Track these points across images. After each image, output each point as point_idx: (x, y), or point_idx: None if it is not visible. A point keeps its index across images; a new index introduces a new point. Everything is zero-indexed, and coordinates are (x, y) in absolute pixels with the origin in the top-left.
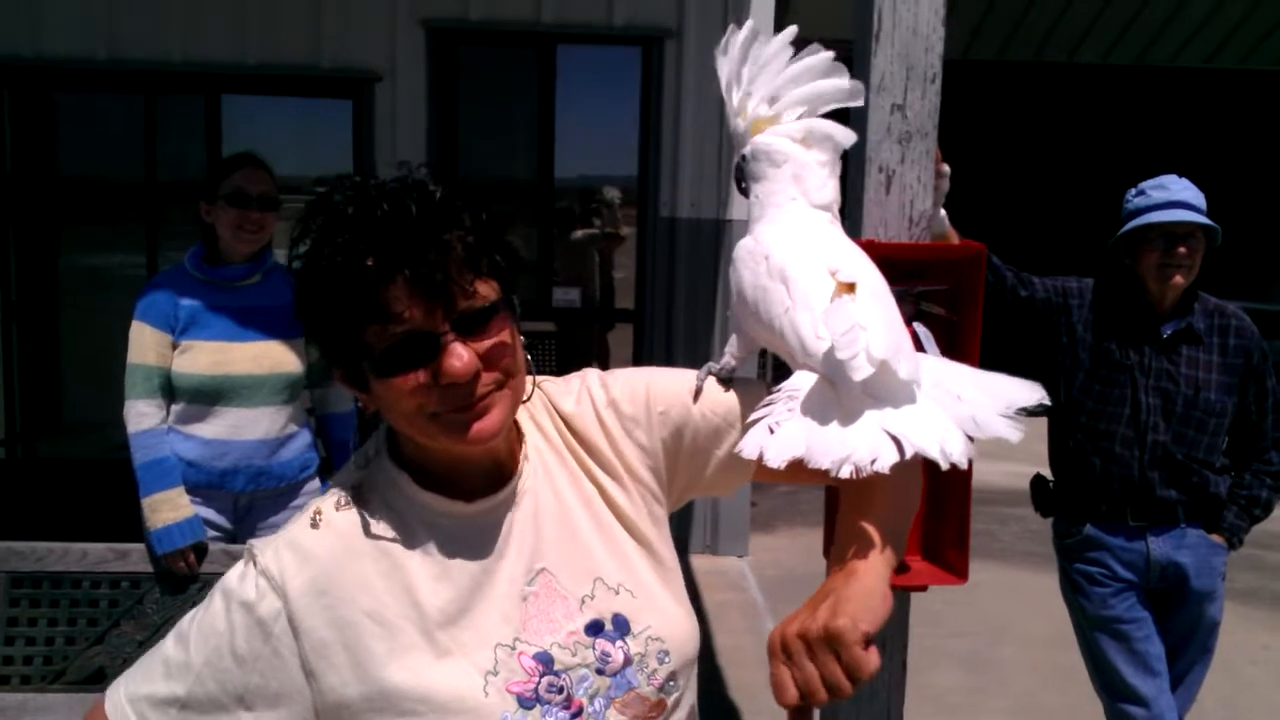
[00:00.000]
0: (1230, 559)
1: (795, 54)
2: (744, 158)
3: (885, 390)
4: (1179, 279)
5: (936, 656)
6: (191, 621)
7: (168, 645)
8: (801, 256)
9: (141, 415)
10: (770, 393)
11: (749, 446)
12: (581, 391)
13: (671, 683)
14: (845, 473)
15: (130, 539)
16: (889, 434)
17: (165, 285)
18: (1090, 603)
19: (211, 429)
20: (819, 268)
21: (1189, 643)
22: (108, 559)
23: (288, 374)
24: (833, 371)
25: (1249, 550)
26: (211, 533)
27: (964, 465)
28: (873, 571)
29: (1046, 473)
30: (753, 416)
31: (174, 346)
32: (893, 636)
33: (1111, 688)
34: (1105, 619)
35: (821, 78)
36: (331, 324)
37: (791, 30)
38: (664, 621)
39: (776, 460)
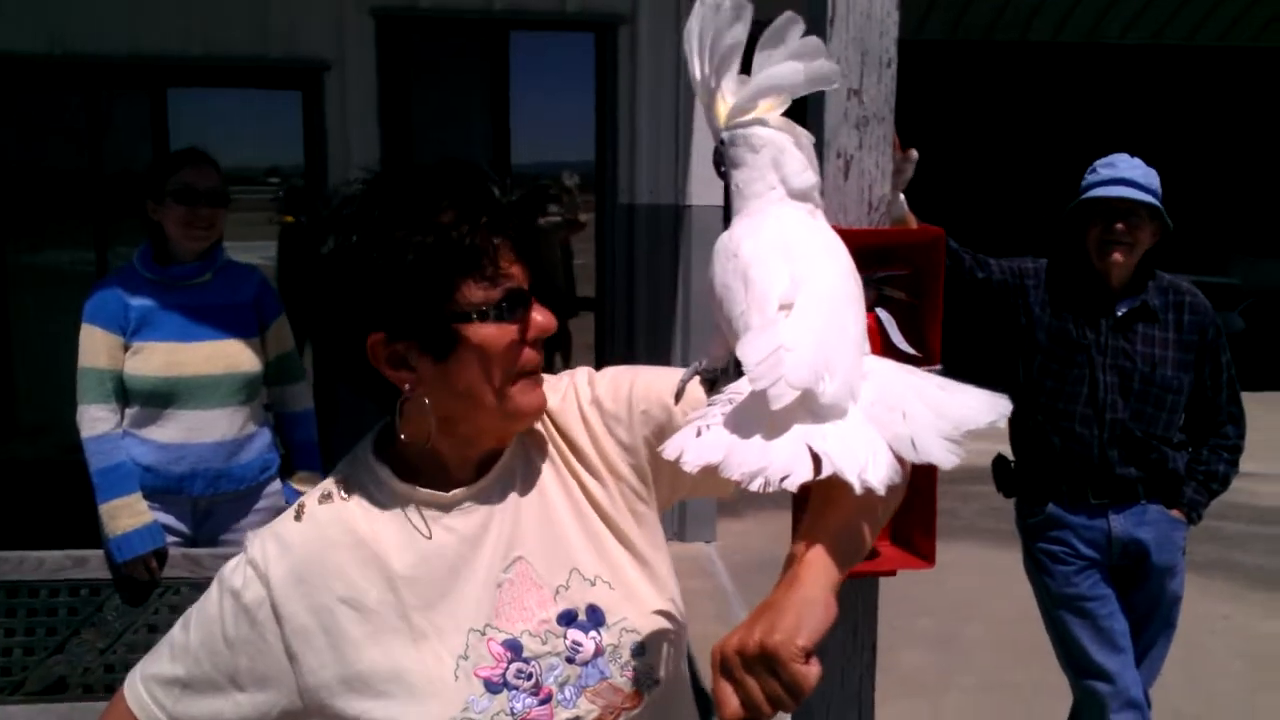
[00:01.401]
0: (1190, 531)
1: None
2: (722, 142)
3: (815, 407)
4: (1117, 255)
5: (903, 636)
6: (194, 608)
7: (175, 630)
8: (767, 258)
9: (95, 420)
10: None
11: (671, 447)
12: (568, 389)
13: (648, 675)
14: (755, 486)
15: (87, 543)
16: (811, 450)
17: (114, 285)
18: (1054, 581)
19: (167, 432)
20: (782, 273)
21: (1152, 617)
22: (66, 566)
23: (244, 373)
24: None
25: (1207, 522)
26: (171, 538)
27: (880, 492)
28: (817, 581)
29: (1007, 451)
30: (690, 417)
31: (126, 348)
32: (862, 622)
33: (1077, 664)
34: (1069, 597)
35: (797, 58)
36: (419, 288)
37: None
38: (641, 615)
39: (692, 464)
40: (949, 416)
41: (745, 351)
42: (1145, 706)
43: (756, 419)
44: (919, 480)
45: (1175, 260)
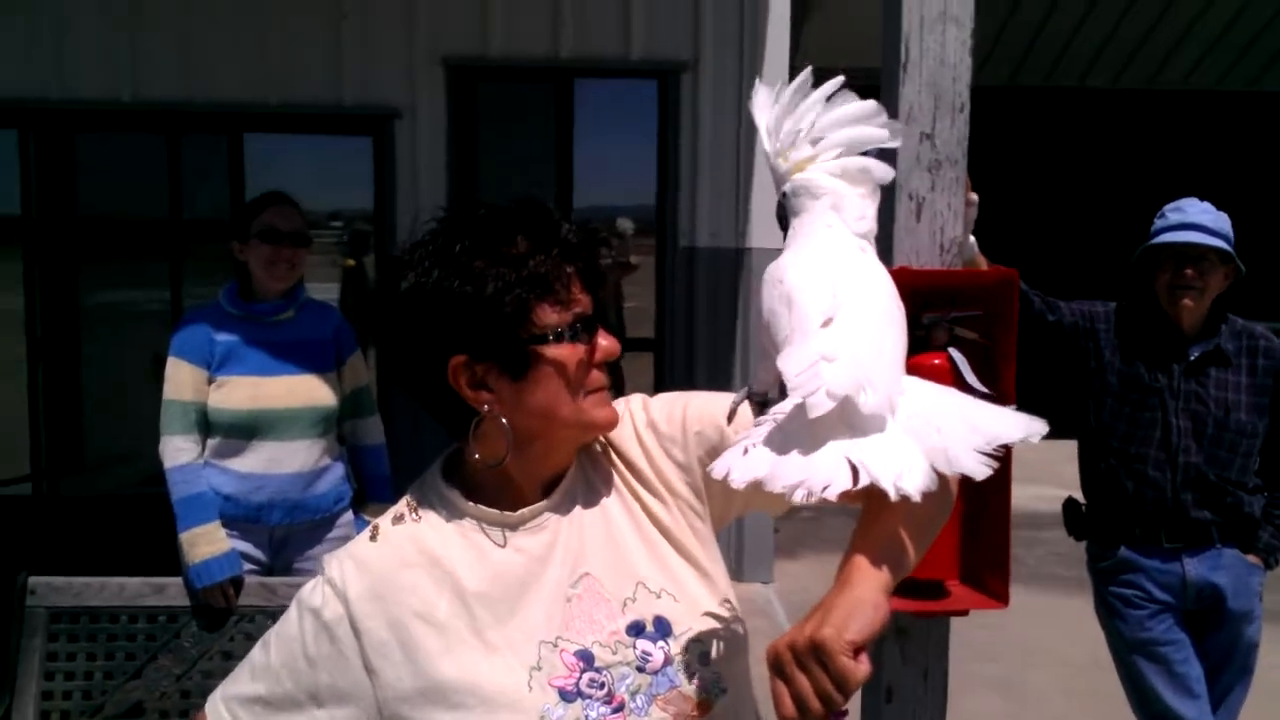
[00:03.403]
0: (1266, 578)
1: (823, 91)
2: (784, 195)
3: (854, 418)
4: (1188, 301)
5: (969, 681)
6: (273, 630)
7: (255, 652)
8: (811, 282)
9: (179, 450)
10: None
11: (719, 466)
12: (625, 415)
13: (716, 684)
14: (799, 498)
15: (156, 573)
16: (849, 461)
17: (201, 321)
18: (1127, 625)
19: (248, 463)
20: (822, 296)
21: (1228, 664)
22: (145, 593)
23: (322, 407)
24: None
25: None
26: (248, 566)
27: (916, 498)
28: (866, 582)
29: (1076, 495)
30: (737, 437)
31: (210, 381)
32: (934, 665)
33: (1151, 710)
34: (1143, 641)
35: (862, 122)
36: (498, 312)
37: (838, 80)
38: (707, 624)
39: (739, 481)
40: (983, 431)
41: (786, 363)
42: None
43: (798, 435)
44: (990, 518)
45: (1245, 306)
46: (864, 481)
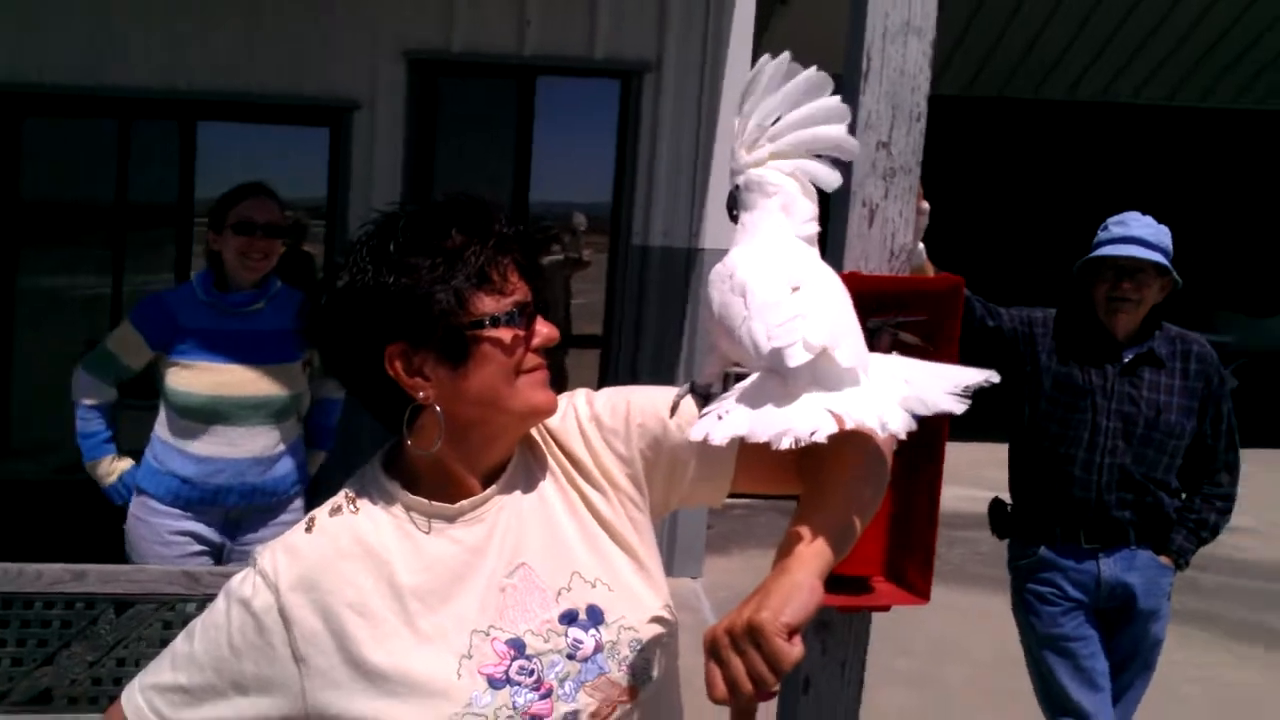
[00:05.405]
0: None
1: (801, 82)
2: (737, 187)
3: (828, 376)
4: (1123, 313)
5: (884, 675)
6: (198, 620)
7: (177, 642)
8: (762, 271)
9: (87, 387)
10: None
11: (697, 430)
12: (568, 408)
13: (644, 671)
14: (786, 444)
15: (79, 559)
16: (830, 411)
17: (169, 302)
18: (1040, 621)
19: (205, 447)
20: (779, 280)
21: (1132, 659)
22: (64, 579)
23: (284, 396)
24: (776, 362)
25: (1188, 573)
26: (201, 547)
27: (902, 436)
28: (803, 567)
29: (1003, 496)
30: (705, 410)
31: (156, 360)
32: (851, 658)
33: (1055, 702)
34: (1054, 636)
35: (826, 123)
36: (434, 302)
37: (811, 72)
38: (639, 613)
39: (720, 438)
40: (947, 378)
41: (764, 318)
42: None
43: (773, 393)
44: (917, 516)
45: (1168, 317)
46: (849, 426)
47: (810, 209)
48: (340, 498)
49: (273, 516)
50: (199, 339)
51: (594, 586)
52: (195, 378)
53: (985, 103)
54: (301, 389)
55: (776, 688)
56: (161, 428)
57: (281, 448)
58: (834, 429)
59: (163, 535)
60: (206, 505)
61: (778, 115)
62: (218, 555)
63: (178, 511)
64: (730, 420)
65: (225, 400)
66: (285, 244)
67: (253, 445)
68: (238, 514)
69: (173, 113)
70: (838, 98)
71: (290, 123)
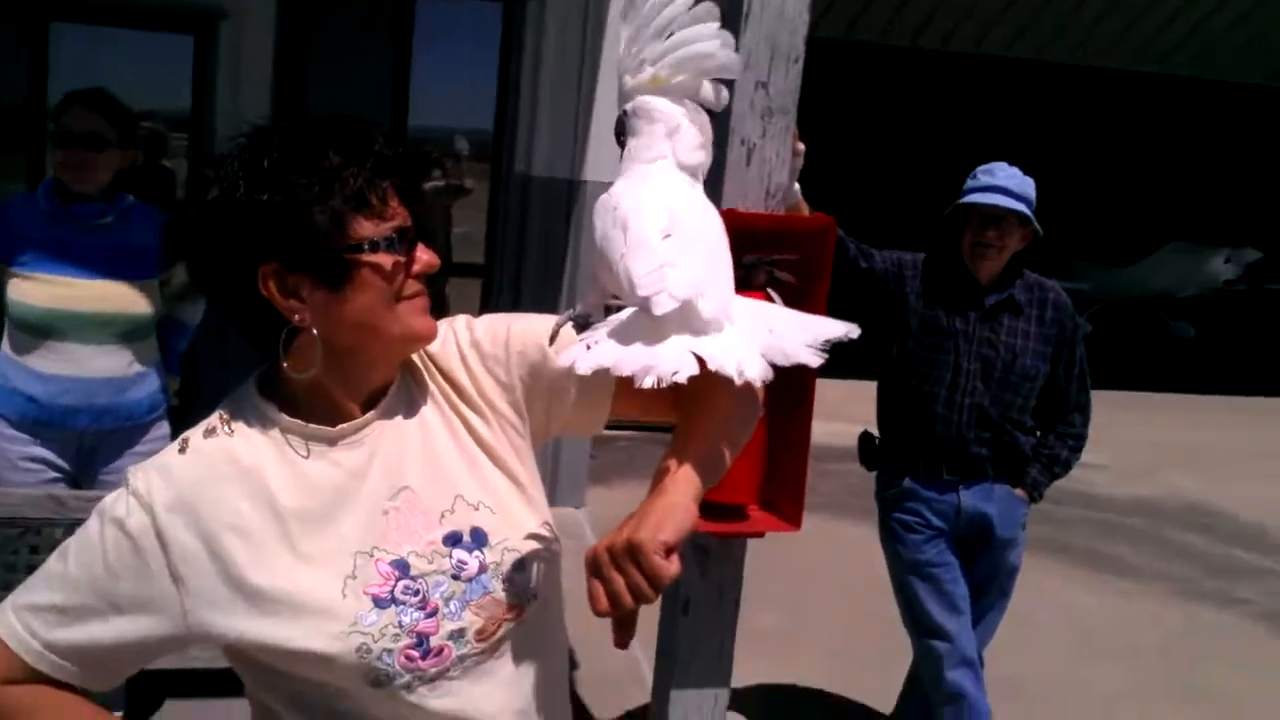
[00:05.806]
0: (1029, 511)
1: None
2: (625, 112)
3: (694, 323)
4: (987, 259)
5: (758, 600)
6: (71, 541)
7: (50, 562)
8: (644, 207)
9: None
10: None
11: (565, 356)
12: (448, 333)
13: (527, 590)
14: (649, 382)
15: None
16: (693, 353)
17: (12, 211)
18: (905, 548)
19: (49, 364)
20: (653, 222)
21: (990, 585)
22: None
23: (135, 314)
24: (644, 306)
25: (1042, 506)
26: (52, 473)
27: (757, 384)
28: (679, 489)
29: (872, 430)
30: (578, 338)
31: (5, 271)
32: (728, 581)
33: (919, 623)
34: (918, 563)
35: (709, 44)
36: (312, 222)
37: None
38: (522, 535)
39: (585, 367)
40: (810, 330)
41: (632, 266)
42: (978, 665)
43: (642, 331)
44: (790, 448)
45: (1029, 265)
46: (712, 368)
47: (696, 136)
48: (215, 419)
49: (129, 445)
50: (40, 249)
51: (477, 509)
52: (34, 289)
53: (864, 48)
54: (157, 309)
55: (655, 600)
56: (7, 343)
57: (137, 368)
58: (695, 371)
59: (14, 461)
60: (56, 428)
61: (661, 37)
62: (73, 486)
63: (26, 436)
64: (598, 351)
65: (63, 314)
66: (135, 156)
67: (101, 364)
68: (92, 439)
69: (23, 11)
70: (717, 23)
71: (152, 28)
